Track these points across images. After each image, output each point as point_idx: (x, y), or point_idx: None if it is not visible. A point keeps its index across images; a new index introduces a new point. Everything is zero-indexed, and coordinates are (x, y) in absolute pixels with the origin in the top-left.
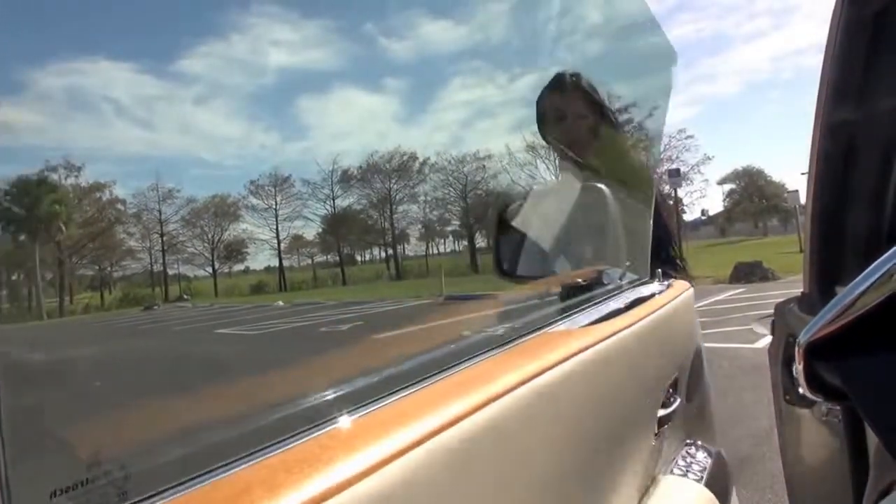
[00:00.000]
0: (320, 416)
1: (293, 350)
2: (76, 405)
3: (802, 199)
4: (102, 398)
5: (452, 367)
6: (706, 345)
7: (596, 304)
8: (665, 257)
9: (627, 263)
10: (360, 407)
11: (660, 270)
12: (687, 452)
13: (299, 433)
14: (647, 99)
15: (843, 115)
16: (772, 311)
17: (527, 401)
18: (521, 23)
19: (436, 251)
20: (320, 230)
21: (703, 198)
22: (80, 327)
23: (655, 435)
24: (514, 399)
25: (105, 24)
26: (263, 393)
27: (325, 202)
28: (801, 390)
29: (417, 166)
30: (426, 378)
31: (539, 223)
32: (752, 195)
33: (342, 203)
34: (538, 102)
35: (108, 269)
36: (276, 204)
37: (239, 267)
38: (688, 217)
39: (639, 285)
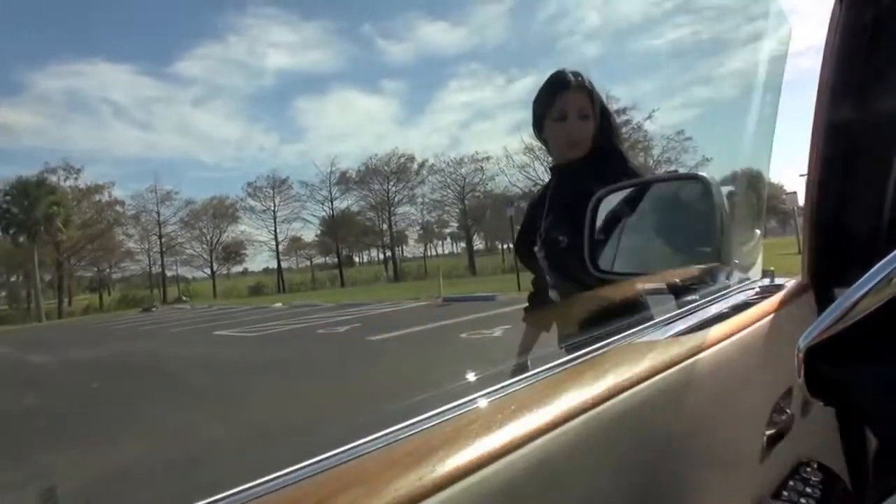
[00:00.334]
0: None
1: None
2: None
3: (801, 201)
4: (102, 398)
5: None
6: None
7: (701, 306)
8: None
9: (735, 261)
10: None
11: (772, 268)
12: (800, 475)
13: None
14: (758, 83)
15: (842, 117)
16: None
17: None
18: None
19: (434, 252)
20: (319, 232)
21: None
22: (80, 327)
23: (762, 456)
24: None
25: (104, 28)
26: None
27: (323, 204)
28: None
29: (416, 168)
30: (504, 387)
31: (636, 216)
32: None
33: (340, 205)
34: (551, 101)
35: (107, 270)
36: (274, 206)
37: (237, 268)
38: None
39: (747, 287)
